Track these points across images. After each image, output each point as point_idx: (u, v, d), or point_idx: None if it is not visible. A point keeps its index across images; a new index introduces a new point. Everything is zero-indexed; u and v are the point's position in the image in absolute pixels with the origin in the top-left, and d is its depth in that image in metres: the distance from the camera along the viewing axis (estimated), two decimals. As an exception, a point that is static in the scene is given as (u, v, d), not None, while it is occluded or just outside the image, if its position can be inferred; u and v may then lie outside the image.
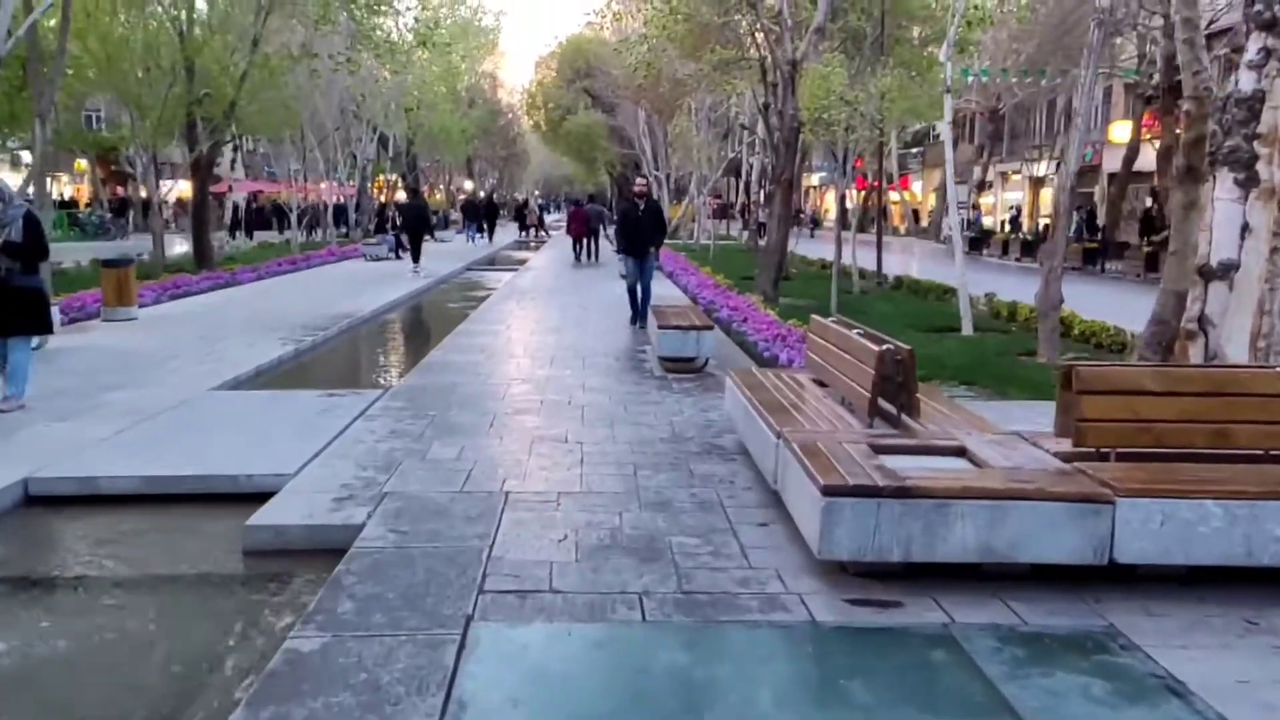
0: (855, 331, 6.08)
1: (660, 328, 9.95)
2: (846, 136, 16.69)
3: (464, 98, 56.60)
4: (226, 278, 19.90)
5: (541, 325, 13.81)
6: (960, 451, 4.85)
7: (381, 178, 57.09)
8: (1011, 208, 50.24)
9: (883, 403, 5.29)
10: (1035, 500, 4.10)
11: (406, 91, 39.55)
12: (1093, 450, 4.59)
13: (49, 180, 50.88)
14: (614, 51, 51.21)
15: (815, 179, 63.72)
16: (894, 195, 53.38)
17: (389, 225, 29.66)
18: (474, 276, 25.89)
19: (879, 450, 4.80)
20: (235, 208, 50.00)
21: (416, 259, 24.31)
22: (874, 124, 16.62)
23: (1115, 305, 18.01)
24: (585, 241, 29.14)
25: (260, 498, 5.68)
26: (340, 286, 19.85)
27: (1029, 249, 31.84)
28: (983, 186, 48.37)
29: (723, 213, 56.61)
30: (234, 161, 54.07)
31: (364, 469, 6.22)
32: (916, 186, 61.79)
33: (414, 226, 24.81)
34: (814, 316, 7.91)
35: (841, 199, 23.68)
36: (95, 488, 5.99)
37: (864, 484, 4.18)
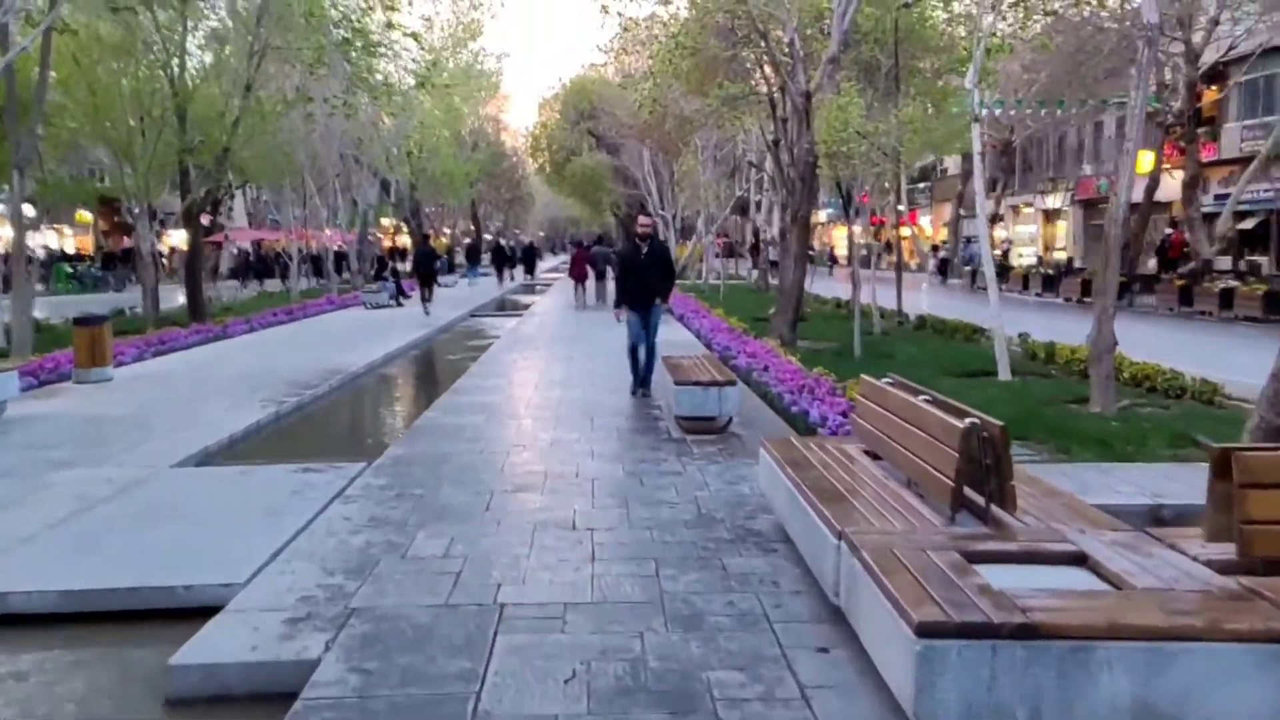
0: (923, 399, 5.04)
1: (677, 383, 8.91)
2: (865, 170, 15.74)
3: (467, 141, 56.15)
4: (217, 331, 18.96)
5: (545, 378, 12.80)
6: (1079, 559, 3.78)
7: (386, 222, 56.61)
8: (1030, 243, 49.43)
9: (969, 492, 4.23)
10: (1208, 641, 3.03)
11: (408, 135, 38.92)
12: (1263, 560, 3.52)
13: (51, 233, 50.52)
14: (619, 90, 50.86)
15: (824, 215, 62.96)
16: (904, 231, 52.55)
17: (389, 272, 28.80)
18: (475, 324, 24.94)
19: (973, 558, 3.74)
20: (246, 255, 49.36)
21: (426, 300, 25.59)
22: (895, 157, 15.68)
23: (1156, 343, 16.95)
24: (586, 285, 29.12)
25: (203, 612, 4.64)
26: (335, 338, 18.89)
27: (1050, 283, 30.83)
28: (994, 220, 47.46)
29: (730, 251, 55.83)
30: (230, 210, 53.53)
31: (330, 574, 5.16)
32: (924, 221, 60.97)
33: (425, 270, 26.39)
34: (864, 378, 6.88)
35: (850, 236, 22.73)
36: (5, 606, 4.95)
37: (973, 621, 3.11)
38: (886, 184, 19.35)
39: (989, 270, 14.49)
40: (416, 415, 10.41)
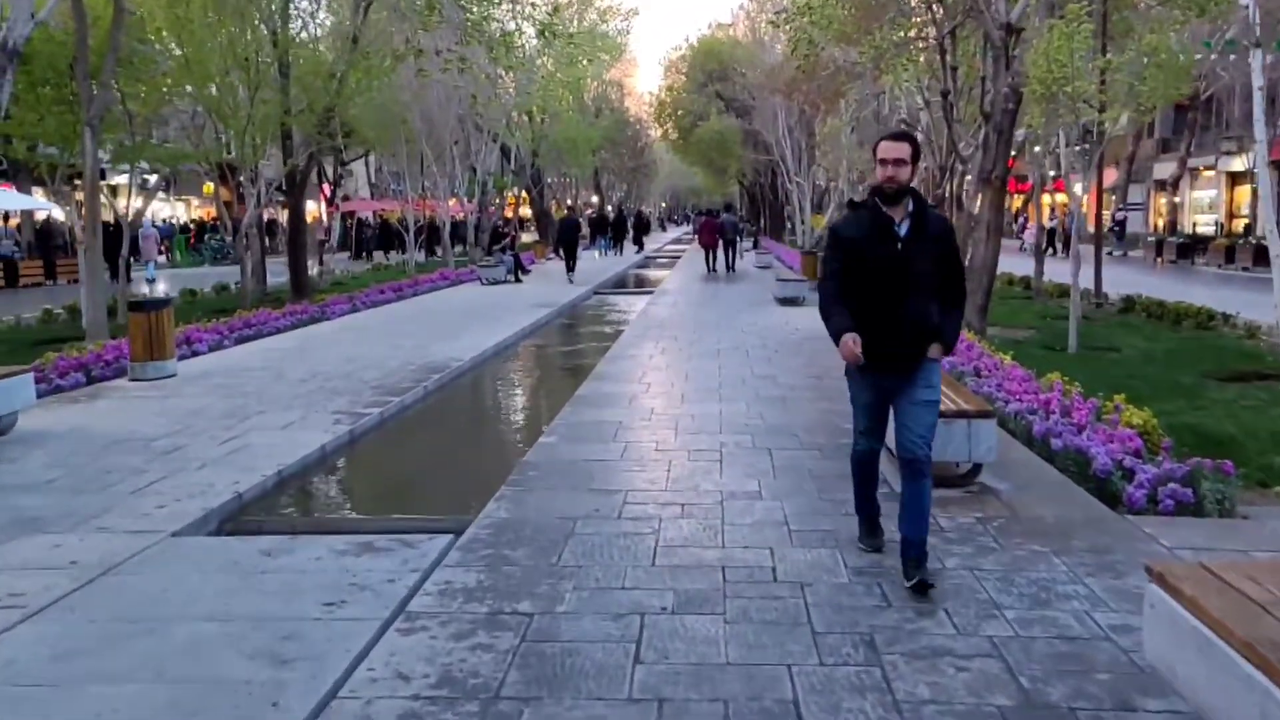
0: None
1: None
2: (1094, 115, 12.38)
3: (590, 107, 53.73)
4: (314, 311, 16.88)
5: (694, 384, 10.06)
6: None
7: (511, 194, 54.71)
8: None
9: None
10: None
11: (528, 95, 36.65)
12: None
13: (180, 204, 50.34)
14: (750, 50, 47.52)
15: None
16: (1059, 197, 47.64)
17: (508, 245, 26.47)
18: (599, 304, 22.37)
19: None
20: (359, 226, 48.21)
21: (571, 269, 26.44)
22: (1136, 97, 12.28)
23: None
24: (718, 253, 28.77)
25: None
26: (443, 320, 16.58)
27: (1262, 255, 26.38)
28: (1177, 184, 42.46)
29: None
30: (340, 179, 52.70)
31: None
32: (1077, 189, 55.54)
33: (569, 240, 27.15)
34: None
35: (1094, 201, 19.21)
36: None
37: None
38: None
39: (1275, 242, 11.02)
40: (528, 442, 7.82)
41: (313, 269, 26.65)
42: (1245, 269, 26.78)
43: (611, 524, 5.46)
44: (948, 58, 21.14)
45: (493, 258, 26.79)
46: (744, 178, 56.88)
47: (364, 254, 35.48)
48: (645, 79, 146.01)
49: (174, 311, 11.45)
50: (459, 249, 36.06)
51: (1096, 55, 12.18)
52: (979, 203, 14.72)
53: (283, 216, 52.77)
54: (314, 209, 52.99)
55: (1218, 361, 11.69)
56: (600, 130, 49.35)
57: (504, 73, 32.01)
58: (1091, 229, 21.08)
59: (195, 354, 12.52)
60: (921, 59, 21.95)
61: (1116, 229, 39.16)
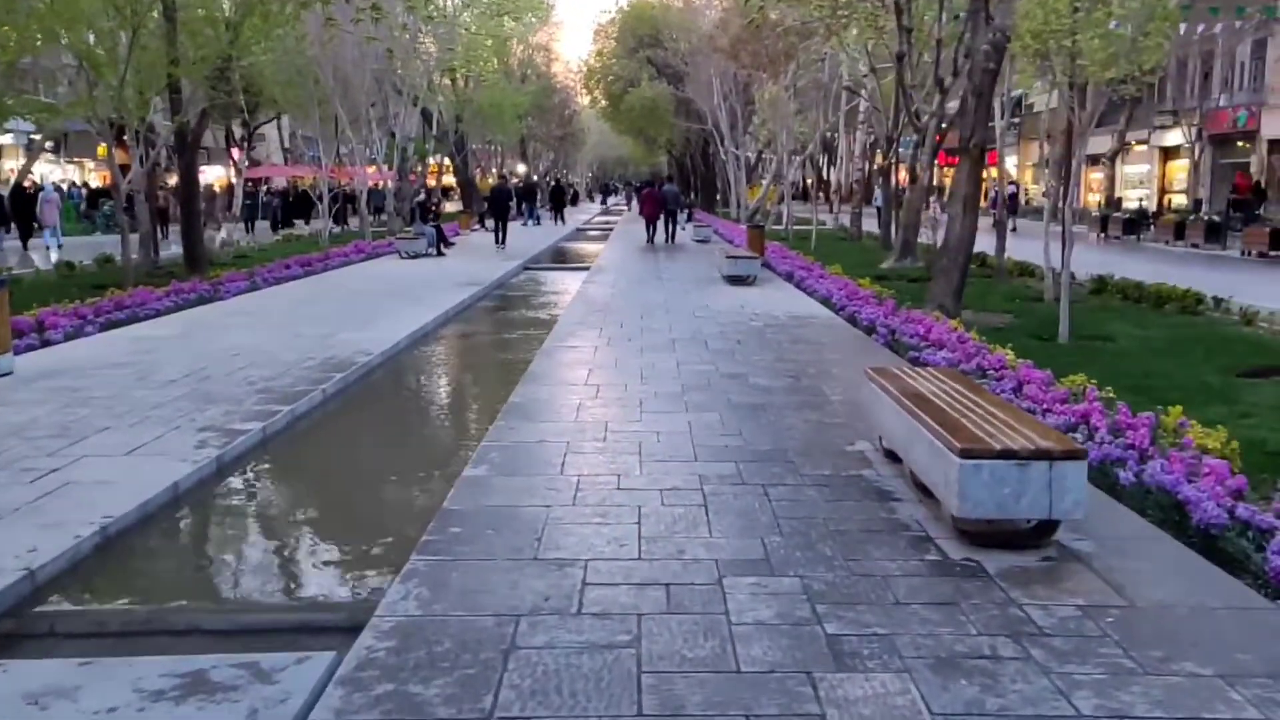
0: None
1: (964, 455, 4.42)
2: (1096, 72, 10.92)
3: (516, 72, 51.40)
4: (205, 290, 14.76)
5: (652, 386, 8.37)
6: None
7: (433, 161, 52.03)
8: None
9: None
10: None
11: (452, 56, 34.40)
12: None
13: (74, 167, 46.76)
14: (683, 15, 45.66)
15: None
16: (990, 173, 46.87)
17: (429, 214, 24.30)
18: (531, 281, 20.52)
19: None
20: (257, 196, 45.06)
21: (502, 240, 26.42)
22: (1140, 52, 10.83)
23: None
24: (659, 224, 28.17)
25: None
26: (354, 302, 14.60)
27: (1214, 232, 25.66)
28: (1115, 158, 41.95)
29: (802, 195, 50.61)
30: (248, 145, 49.62)
31: None
32: (1010, 164, 54.69)
33: (500, 210, 27.27)
34: None
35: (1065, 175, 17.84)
36: None
37: None
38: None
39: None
40: (451, 473, 6.07)
41: (216, 240, 24.33)
42: (1195, 245, 26.00)
43: (569, 626, 3.77)
44: (903, 18, 19.75)
45: (413, 229, 24.67)
46: (674, 148, 55.12)
47: (274, 225, 32.87)
48: (574, 45, 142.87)
49: (26, 291, 9.38)
50: (377, 219, 33.73)
51: (1097, 5, 10.71)
52: (960, 175, 13.26)
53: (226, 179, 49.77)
54: (223, 176, 49.95)
55: (1230, 354, 10.42)
56: (527, 96, 47.07)
57: (423, 27, 29.76)
58: (1047, 203, 19.89)
59: (47, 344, 10.44)
60: (879, 21, 20.53)
61: (1009, 203, 38.54)
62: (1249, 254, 23.18)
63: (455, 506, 5.18)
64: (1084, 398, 7.06)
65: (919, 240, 22.78)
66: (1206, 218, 26.58)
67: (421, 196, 27.99)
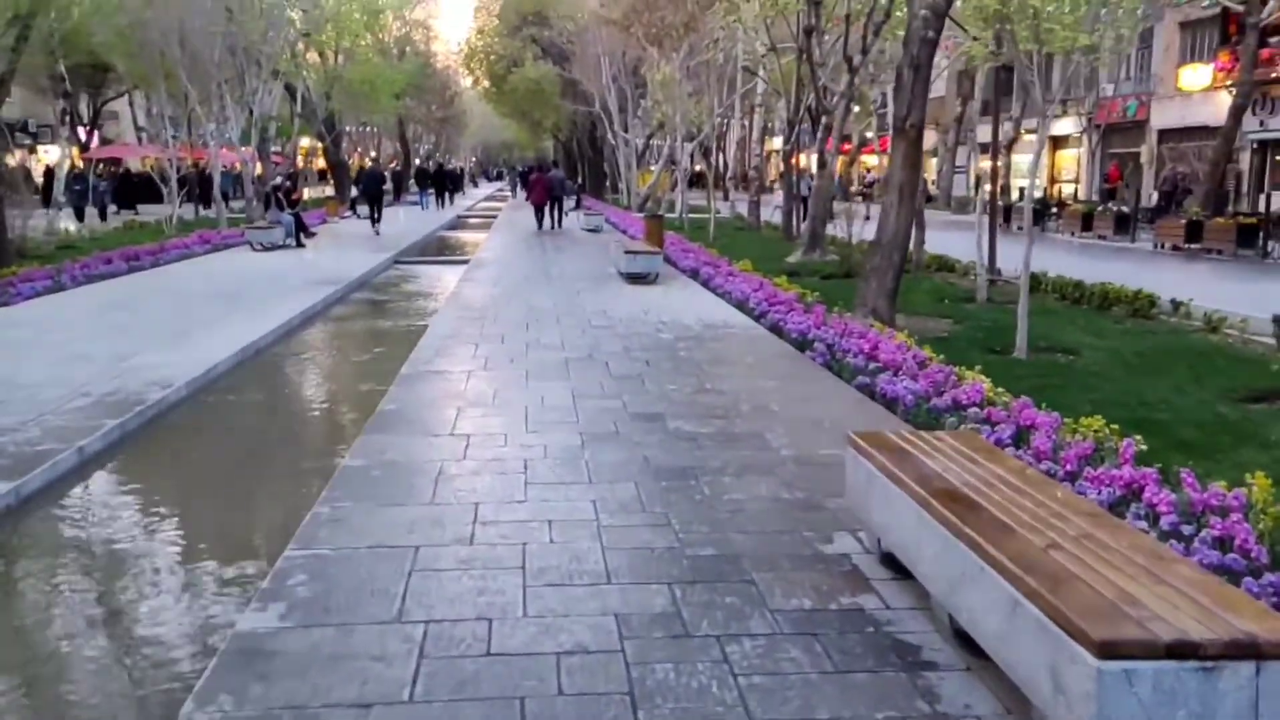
0: None
1: (1109, 653, 2.48)
2: (1069, 44, 9.28)
3: (393, 50, 48.19)
4: (-11, 293, 12.01)
5: (542, 437, 6.28)
6: None
7: (304, 145, 48.26)
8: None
9: None
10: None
11: (317, 26, 31.47)
12: None
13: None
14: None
15: (777, 143, 55.65)
16: (872, 159, 45.89)
17: (282, 202, 21.45)
18: (400, 278, 18.10)
19: None
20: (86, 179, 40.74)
21: (377, 221, 26.22)
22: (1116, 22, 9.23)
23: None
24: (547, 209, 27.60)
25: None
26: (177, 307, 12.02)
27: (1123, 224, 24.85)
28: (1011, 146, 41.38)
29: (695, 181, 48.83)
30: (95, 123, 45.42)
31: None
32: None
33: (373, 193, 26.85)
34: None
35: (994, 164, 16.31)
36: None
37: None
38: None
39: None
40: (213, 629, 3.88)
41: (40, 228, 21.10)
42: (1103, 237, 25.18)
43: None
44: (811, -13, 18.10)
45: (268, 216, 21.83)
46: (560, 132, 52.75)
47: (102, 212, 29.23)
48: (454, 28, 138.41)
49: None
50: (236, 205, 30.52)
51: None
52: (894, 159, 11.50)
53: (32, 162, 44.97)
54: (54, 154, 45.23)
55: (1218, 372, 8.95)
56: (403, 73, 44.00)
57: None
58: (981, 192, 18.52)
59: None
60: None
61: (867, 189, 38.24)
62: (1161, 246, 22.35)
63: (223, 693, 3.00)
64: (1120, 456, 5.28)
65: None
66: (1116, 209, 25.76)
67: (277, 180, 25.08)
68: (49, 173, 35.96)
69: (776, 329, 10.54)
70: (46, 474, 5.56)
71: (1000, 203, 35.03)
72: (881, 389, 7.48)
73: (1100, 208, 26.80)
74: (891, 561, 4.11)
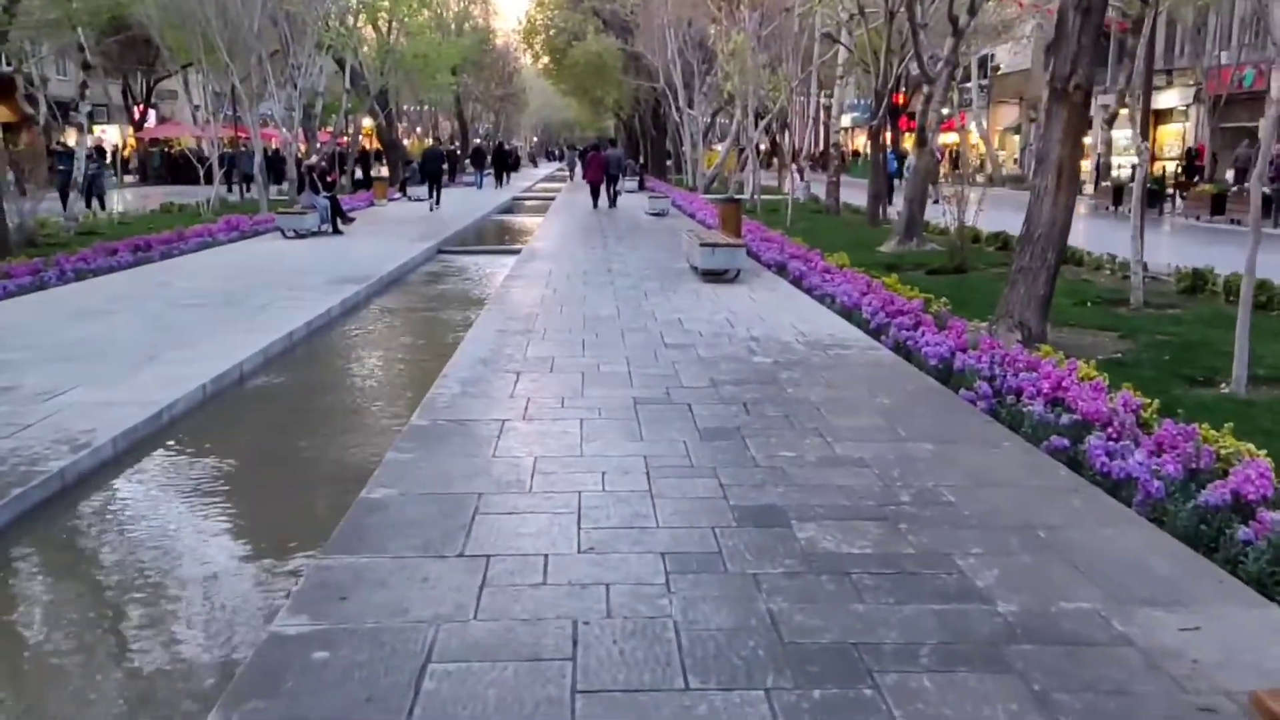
0: None
1: None
2: None
3: (451, 26, 46.15)
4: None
5: (596, 558, 4.04)
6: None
7: (367, 125, 46.33)
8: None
9: None
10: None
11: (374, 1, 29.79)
12: None
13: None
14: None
15: (847, 119, 52.32)
16: (949, 137, 42.35)
17: (317, 184, 19.40)
18: (442, 272, 15.96)
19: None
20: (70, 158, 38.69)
21: (437, 202, 26.55)
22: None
23: None
24: (604, 188, 27.68)
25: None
26: (160, 315, 9.92)
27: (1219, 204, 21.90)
28: (1113, 120, 38.05)
29: (768, 161, 45.91)
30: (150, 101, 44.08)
31: None
32: (973, 126, 50.43)
33: (433, 171, 27.44)
34: None
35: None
36: None
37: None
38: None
39: None
40: None
41: (66, 211, 19.45)
42: (1236, 221, 22.15)
43: None
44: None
45: (301, 200, 19.84)
46: (622, 110, 50.28)
47: (87, 198, 27.41)
48: (514, 2, 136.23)
49: None
50: (284, 185, 28.72)
51: None
52: (1052, 131, 8.96)
53: (74, 140, 43.85)
54: (101, 135, 43.94)
55: None
56: (460, 48, 41.81)
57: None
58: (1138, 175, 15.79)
59: None
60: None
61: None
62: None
63: None
64: None
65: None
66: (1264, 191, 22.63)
67: (312, 160, 23.18)
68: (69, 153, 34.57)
69: (903, 349, 8.15)
70: None
71: (1106, 183, 32.11)
72: (1099, 465, 5.07)
73: (1234, 188, 23.69)
74: None
